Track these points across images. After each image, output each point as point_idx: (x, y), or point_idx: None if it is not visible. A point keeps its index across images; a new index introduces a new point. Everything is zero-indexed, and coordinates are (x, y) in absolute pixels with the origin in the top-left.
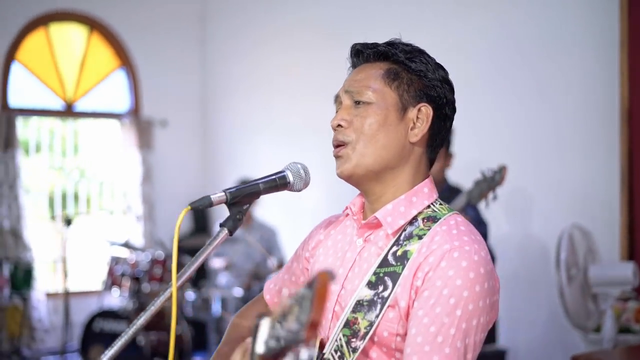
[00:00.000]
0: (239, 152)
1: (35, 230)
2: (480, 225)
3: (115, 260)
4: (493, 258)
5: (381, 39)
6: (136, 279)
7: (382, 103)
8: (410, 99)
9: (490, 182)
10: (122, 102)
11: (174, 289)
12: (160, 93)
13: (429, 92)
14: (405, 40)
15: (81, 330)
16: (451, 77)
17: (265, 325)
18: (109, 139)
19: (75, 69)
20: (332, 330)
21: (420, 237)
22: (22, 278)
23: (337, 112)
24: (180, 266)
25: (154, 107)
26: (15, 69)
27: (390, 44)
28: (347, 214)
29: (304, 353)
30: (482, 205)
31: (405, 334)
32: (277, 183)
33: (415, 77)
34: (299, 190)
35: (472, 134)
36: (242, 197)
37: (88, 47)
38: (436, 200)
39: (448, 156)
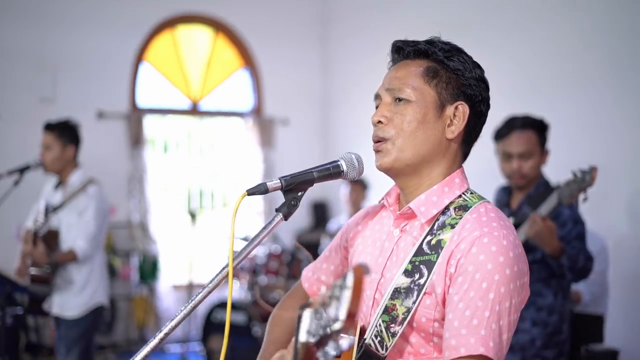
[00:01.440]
0: (358, 150)
1: (161, 224)
2: (577, 225)
3: (235, 254)
4: (591, 257)
5: (498, 38)
6: (254, 272)
7: (422, 101)
8: (448, 97)
9: (581, 182)
10: (245, 101)
11: (230, 270)
12: (282, 92)
13: (466, 91)
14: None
15: (202, 320)
16: (572, 72)
17: (307, 316)
18: (232, 137)
19: (200, 69)
20: (372, 316)
21: (452, 226)
22: (149, 270)
23: (376, 108)
24: (297, 262)
25: (276, 105)
26: (144, 69)
27: (430, 42)
28: (384, 205)
29: (344, 341)
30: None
31: (442, 319)
32: (331, 172)
33: (453, 75)
34: (353, 179)
35: (592, 134)
36: (297, 184)
37: (213, 48)
38: (467, 189)
39: (544, 153)
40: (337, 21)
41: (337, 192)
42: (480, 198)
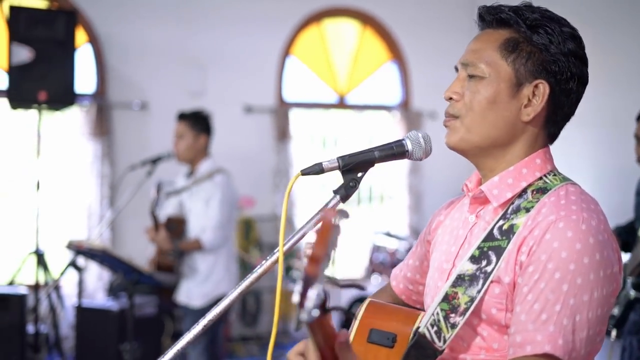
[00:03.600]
0: None
1: (306, 217)
2: None
3: (377, 249)
4: None
5: None
6: (394, 267)
7: (495, 78)
8: (527, 74)
9: None
10: (392, 94)
11: (280, 254)
12: (429, 85)
13: (549, 67)
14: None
15: (341, 315)
16: None
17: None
18: (379, 131)
19: (347, 62)
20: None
21: (527, 210)
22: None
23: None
24: None
25: (424, 99)
26: (291, 63)
27: (516, 10)
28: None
29: (311, 293)
30: None
31: None
32: (395, 151)
33: (536, 50)
34: (419, 159)
35: None
36: (356, 165)
37: (360, 41)
38: (550, 171)
39: None
40: None
41: None
42: (565, 179)
